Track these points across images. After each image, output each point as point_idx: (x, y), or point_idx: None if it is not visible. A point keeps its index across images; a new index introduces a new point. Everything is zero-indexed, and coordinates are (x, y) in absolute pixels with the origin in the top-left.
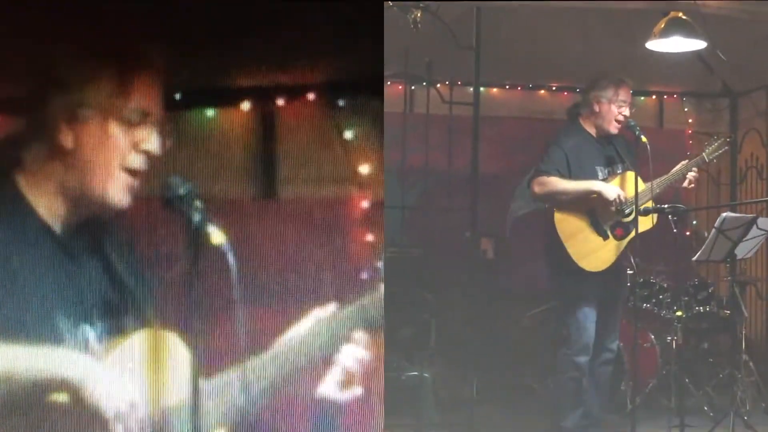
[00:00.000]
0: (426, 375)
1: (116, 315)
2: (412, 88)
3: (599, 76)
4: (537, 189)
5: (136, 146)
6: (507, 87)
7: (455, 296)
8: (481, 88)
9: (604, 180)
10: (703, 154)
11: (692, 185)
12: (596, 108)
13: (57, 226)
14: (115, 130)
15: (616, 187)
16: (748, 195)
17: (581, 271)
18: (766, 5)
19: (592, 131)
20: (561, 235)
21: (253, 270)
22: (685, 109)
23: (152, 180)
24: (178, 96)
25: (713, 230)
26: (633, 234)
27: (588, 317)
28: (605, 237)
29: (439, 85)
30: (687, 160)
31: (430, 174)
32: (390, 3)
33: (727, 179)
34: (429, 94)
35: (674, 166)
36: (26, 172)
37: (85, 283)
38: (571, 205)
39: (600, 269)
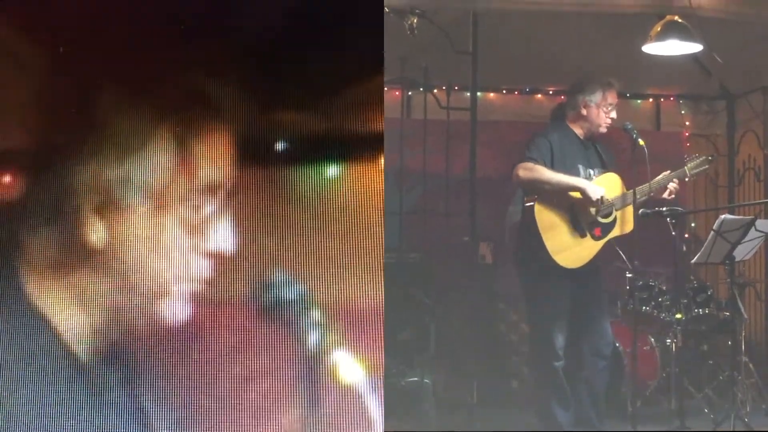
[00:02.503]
0: (426, 381)
1: None
2: (409, 93)
3: (586, 78)
4: (522, 174)
5: (201, 243)
6: (504, 91)
7: (454, 301)
8: (478, 93)
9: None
10: (685, 168)
11: (672, 196)
12: (584, 112)
13: (79, 350)
14: (171, 220)
15: (600, 188)
16: (746, 197)
17: (554, 266)
18: (761, 7)
19: (579, 132)
20: (539, 226)
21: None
22: (682, 112)
23: (233, 277)
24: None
25: (712, 232)
26: (612, 235)
27: (557, 317)
28: (583, 235)
29: (436, 91)
30: (669, 171)
31: (428, 179)
32: (386, 9)
33: (724, 181)
34: (426, 100)
35: (672, 169)
36: (31, 266)
37: None
38: (553, 197)
39: (574, 266)
